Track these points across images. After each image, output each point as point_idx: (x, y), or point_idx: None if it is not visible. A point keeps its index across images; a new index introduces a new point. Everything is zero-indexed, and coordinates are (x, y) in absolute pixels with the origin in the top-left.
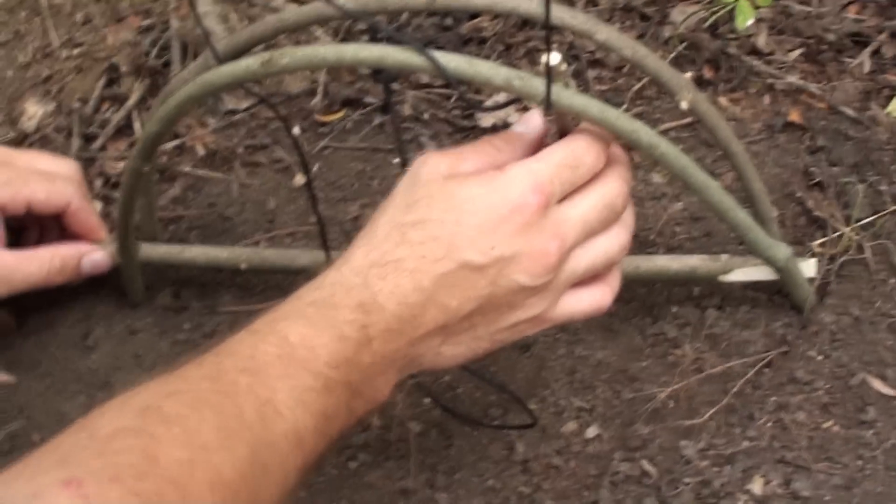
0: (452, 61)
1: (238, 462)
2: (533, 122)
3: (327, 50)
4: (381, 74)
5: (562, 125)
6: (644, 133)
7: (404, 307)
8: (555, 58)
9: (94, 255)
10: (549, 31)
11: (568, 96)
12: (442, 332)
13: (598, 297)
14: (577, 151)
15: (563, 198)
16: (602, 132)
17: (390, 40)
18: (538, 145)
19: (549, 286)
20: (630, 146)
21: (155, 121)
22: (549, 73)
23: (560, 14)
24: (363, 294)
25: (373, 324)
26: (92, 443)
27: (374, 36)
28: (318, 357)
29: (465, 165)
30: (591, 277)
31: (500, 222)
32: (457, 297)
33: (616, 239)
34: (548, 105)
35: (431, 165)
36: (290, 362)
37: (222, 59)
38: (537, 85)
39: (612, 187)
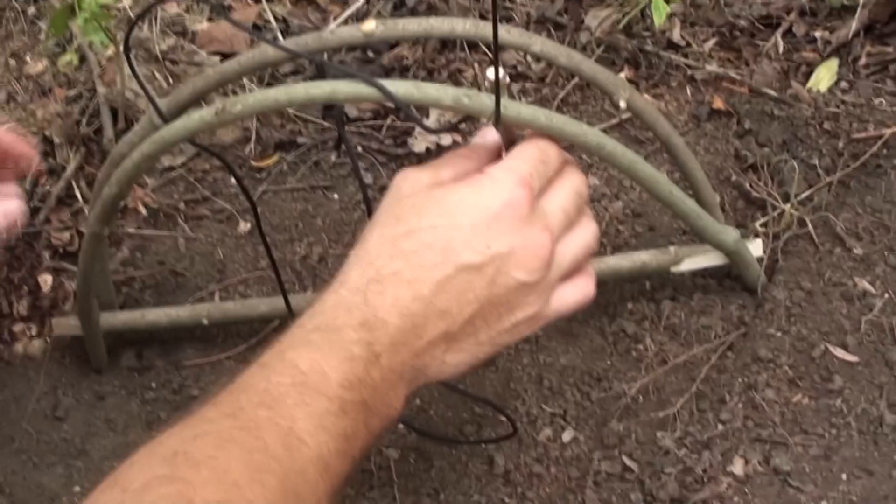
0: (401, 87)
1: (271, 494)
2: (490, 134)
3: (278, 92)
4: (332, 110)
5: (509, 136)
6: (592, 135)
7: (406, 318)
8: (500, 72)
9: (8, 204)
10: (497, 49)
11: (515, 108)
12: (445, 339)
13: (583, 288)
14: (543, 147)
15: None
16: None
17: (335, 75)
18: (496, 155)
19: (544, 281)
20: (577, 148)
21: (113, 182)
22: (498, 88)
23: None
24: (364, 312)
25: (378, 340)
26: (126, 496)
27: (320, 73)
28: (331, 380)
29: (444, 174)
30: (572, 270)
31: (492, 220)
32: (457, 301)
33: (589, 228)
34: (497, 118)
35: (412, 179)
36: (304, 389)
37: (167, 118)
38: (485, 100)
39: (576, 177)
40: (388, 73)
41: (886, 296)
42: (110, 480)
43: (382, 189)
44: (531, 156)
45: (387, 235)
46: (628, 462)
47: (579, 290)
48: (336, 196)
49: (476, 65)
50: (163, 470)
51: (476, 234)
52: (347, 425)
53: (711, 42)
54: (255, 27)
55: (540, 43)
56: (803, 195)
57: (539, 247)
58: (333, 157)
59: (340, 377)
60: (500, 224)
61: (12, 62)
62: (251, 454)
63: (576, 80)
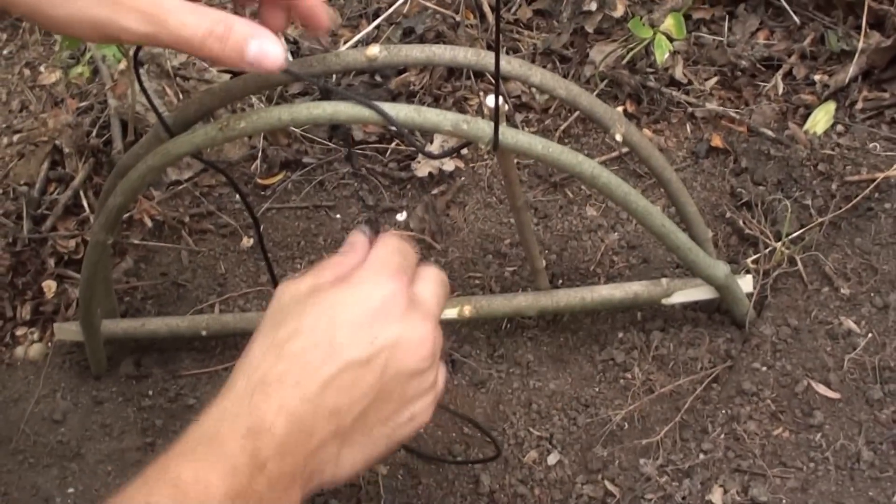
0: (402, 111)
1: None
2: (359, 237)
3: (282, 111)
4: (339, 129)
5: (505, 165)
6: (587, 165)
7: (294, 421)
8: (500, 100)
9: (268, 44)
10: (498, 77)
11: (513, 135)
12: (337, 438)
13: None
14: (397, 243)
15: None
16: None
17: (339, 97)
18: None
19: (434, 366)
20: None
21: (119, 192)
22: (497, 115)
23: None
24: (250, 419)
25: (264, 446)
26: None
27: (324, 95)
28: (212, 496)
29: (322, 278)
30: None
31: (374, 314)
32: (347, 398)
33: None
34: (495, 145)
35: (292, 288)
36: None
37: (174, 132)
38: (484, 126)
39: (436, 269)
40: (395, 98)
41: (870, 335)
42: None
43: (385, 212)
44: (392, 251)
45: (269, 341)
46: (610, 487)
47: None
48: (338, 216)
49: (481, 93)
50: None
51: (360, 329)
52: None
53: (713, 81)
54: None
55: (539, 74)
56: (795, 234)
57: (425, 334)
58: (339, 176)
59: (222, 493)
60: (383, 317)
61: (27, 72)
62: None
63: (578, 112)
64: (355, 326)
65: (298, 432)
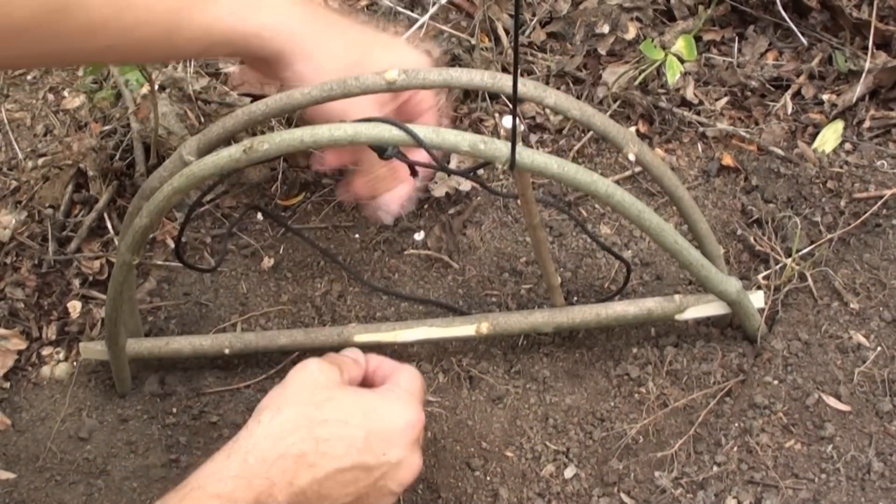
0: (421, 132)
1: None
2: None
3: (304, 132)
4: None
5: (522, 184)
6: (602, 184)
7: (294, 498)
8: (516, 121)
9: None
10: (515, 98)
11: (530, 155)
12: None
13: None
14: (420, 377)
15: None
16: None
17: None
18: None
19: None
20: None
21: (145, 213)
22: (514, 135)
23: (511, 84)
24: (262, 486)
25: None
26: None
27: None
28: None
29: (345, 375)
30: None
31: (394, 433)
32: (341, 490)
33: None
34: (512, 164)
35: (326, 372)
36: None
37: (198, 154)
38: (501, 147)
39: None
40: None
41: (879, 349)
42: None
43: (403, 232)
44: (421, 382)
45: (303, 416)
46: (626, 499)
47: None
48: (357, 235)
49: (496, 115)
50: None
51: (379, 441)
52: None
53: (723, 101)
54: None
55: (554, 96)
56: (805, 250)
57: (416, 469)
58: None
59: None
60: (400, 439)
61: (51, 97)
62: None
63: (591, 132)
64: (377, 437)
65: None
